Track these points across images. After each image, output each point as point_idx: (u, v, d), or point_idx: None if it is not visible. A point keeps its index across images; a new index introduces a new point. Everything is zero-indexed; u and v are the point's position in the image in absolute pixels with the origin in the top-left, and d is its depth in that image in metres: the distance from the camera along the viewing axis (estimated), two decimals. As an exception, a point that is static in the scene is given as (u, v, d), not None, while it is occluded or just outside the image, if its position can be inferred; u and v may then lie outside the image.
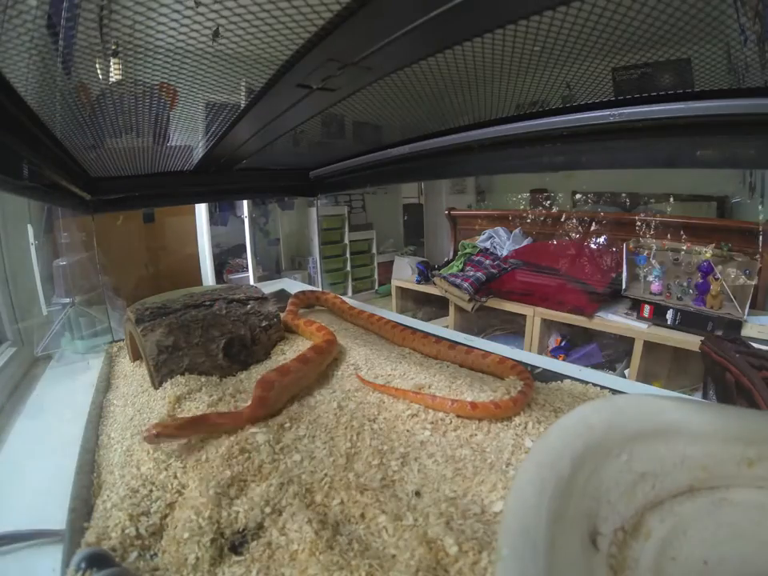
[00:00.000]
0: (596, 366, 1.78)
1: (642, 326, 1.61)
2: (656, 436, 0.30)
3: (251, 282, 2.67)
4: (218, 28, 0.30)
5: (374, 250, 3.90)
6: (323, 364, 0.71)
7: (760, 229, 1.50)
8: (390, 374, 0.68)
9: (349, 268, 3.69)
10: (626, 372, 1.70)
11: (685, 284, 1.57)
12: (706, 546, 0.26)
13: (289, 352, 0.81)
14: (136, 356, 0.81)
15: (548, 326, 1.96)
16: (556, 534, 0.21)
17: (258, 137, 0.66)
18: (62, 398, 0.70)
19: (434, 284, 2.42)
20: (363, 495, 0.41)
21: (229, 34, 0.33)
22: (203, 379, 0.69)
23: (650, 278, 1.66)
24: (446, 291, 2.28)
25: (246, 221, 2.82)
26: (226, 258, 3.11)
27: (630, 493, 0.28)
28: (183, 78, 0.44)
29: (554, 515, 0.22)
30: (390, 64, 0.40)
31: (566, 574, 0.20)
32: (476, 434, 0.51)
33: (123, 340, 0.87)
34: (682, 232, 1.68)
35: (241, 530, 0.38)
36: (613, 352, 1.84)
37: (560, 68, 0.41)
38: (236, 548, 0.37)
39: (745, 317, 1.43)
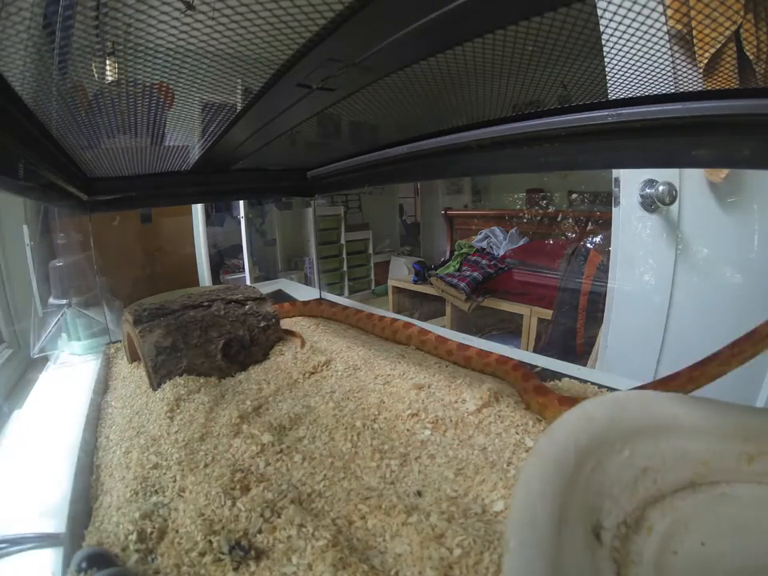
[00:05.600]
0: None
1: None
2: (657, 431, 0.30)
3: (248, 283, 2.66)
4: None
5: (371, 250, 3.91)
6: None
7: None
8: (389, 374, 0.68)
9: (345, 268, 3.70)
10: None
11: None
12: (707, 540, 0.27)
13: (287, 353, 0.80)
14: (134, 357, 0.81)
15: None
16: (562, 527, 0.21)
17: (257, 137, 0.66)
18: (59, 400, 0.70)
19: (431, 284, 2.42)
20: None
21: (230, 34, 0.32)
22: (202, 380, 0.69)
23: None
24: (442, 291, 2.29)
25: (243, 221, 2.81)
26: (223, 258, 3.10)
27: (631, 488, 0.28)
28: (183, 79, 0.44)
29: (560, 509, 0.22)
30: (391, 64, 0.40)
31: (571, 566, 0.21)
32: (477, 434, 0.51)
33: (121, 341, 0.87)
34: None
35: (243, 532, 0.38)
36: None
37: (560, 68, 0.42)
38: (240, 548, 0.37)
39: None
